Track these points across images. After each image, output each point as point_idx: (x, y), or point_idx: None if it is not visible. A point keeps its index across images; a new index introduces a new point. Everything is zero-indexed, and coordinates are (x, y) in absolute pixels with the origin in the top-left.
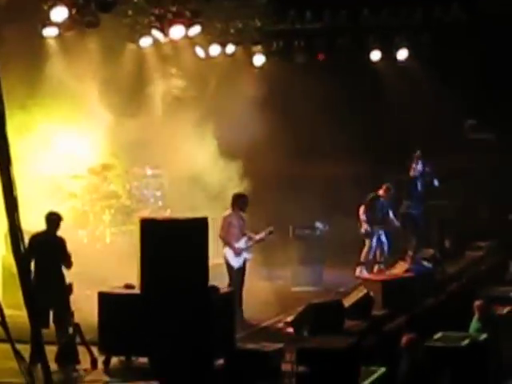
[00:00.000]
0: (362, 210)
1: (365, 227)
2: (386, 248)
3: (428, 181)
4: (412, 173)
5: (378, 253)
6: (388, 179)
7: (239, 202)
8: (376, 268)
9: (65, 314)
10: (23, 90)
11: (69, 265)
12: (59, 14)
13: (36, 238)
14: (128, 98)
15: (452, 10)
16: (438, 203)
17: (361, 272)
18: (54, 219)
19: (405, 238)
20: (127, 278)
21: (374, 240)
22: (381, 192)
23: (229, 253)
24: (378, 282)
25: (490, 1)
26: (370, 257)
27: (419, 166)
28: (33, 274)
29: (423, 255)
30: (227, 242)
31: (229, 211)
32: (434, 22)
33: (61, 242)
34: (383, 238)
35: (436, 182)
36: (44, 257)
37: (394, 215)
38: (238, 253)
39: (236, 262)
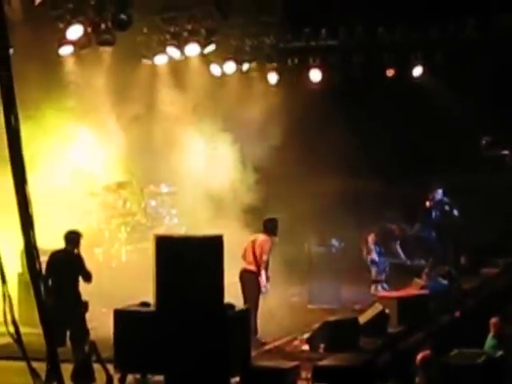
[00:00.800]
0: (371, 239)
1: (372, 257)
2: (387, 268)
3: (447, 210)
4: (428, 204)
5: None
6: (402, 196)
7: (272, 226)
8: (380, 286)
9: (81, 331)
10: (37, 102)
11: (89, 279)
12: (75, 32)
13: (55, 255)
14: (143, 114)
15: (466, 28)
16: (454, 220)
17: (376, 289)
18: (73, 237)
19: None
20: (143, 295)
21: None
22: (394, 228)
23: (264, 277)
24: (393, 299)
25: (503, 18)
26: (382, 276)
27: (438, 196)
28: (50, 292)
29: (439, 272)
30: (266, 268)
31: (265, 236)
32: (449, 40)
33: (78, 259)
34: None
35: (456, 212)
36: (62, 275)
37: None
38: (268, 281)
39: (265, 289)
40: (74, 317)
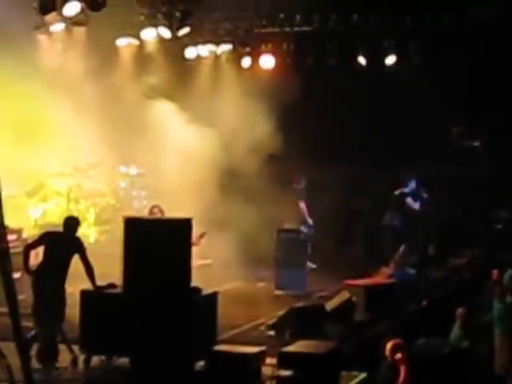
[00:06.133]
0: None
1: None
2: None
3: (424, 198)
4: (399, 191)
5: None
6: (371, 186)
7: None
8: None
9: (63, 313)
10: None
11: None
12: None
13: (51, 236)
14: (115, 95)
15: (441, 18)
16: (426, 210)
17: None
18: (72, 223)
19: (386, 247)
20: (110, 277)
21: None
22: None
23: None
24: (360, 287)
25: (477, 9)
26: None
27: (412, 185)
28: (40, 268)
29: (407, 261)
30: None
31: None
32: (423, 29)
33: (80, 245)
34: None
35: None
36: (57, 256)
37: None
38: None
39: None
40: (62, 298)
